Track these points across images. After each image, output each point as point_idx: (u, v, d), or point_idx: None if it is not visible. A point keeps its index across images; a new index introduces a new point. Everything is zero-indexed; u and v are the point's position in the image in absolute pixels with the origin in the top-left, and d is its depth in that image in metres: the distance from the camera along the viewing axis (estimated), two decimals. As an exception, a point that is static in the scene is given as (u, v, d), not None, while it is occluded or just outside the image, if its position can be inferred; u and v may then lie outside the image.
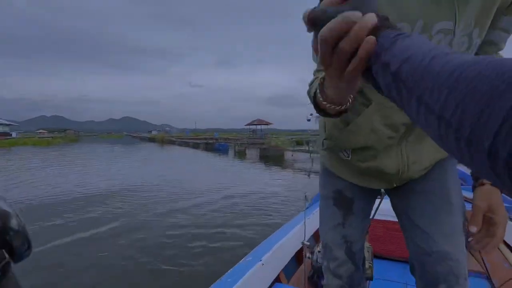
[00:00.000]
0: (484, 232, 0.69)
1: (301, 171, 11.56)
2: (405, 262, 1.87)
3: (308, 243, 1.55)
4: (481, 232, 0.70)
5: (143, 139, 57.57)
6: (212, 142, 27.69)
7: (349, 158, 0.78)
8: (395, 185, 0.80)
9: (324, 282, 0.92)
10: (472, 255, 1.95)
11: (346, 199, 0.86)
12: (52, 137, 54.59)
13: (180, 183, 8.30)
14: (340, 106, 0.48)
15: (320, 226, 0.93)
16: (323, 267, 0.93)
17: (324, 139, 0.83)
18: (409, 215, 0.80)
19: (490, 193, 0.70)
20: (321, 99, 0.48)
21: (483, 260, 1.85)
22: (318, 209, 2.20)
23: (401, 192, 0.81)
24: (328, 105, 0.48)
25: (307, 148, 18.02)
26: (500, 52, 0.72)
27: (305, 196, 1.84)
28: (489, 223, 0.69)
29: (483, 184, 0.72)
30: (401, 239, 1.86)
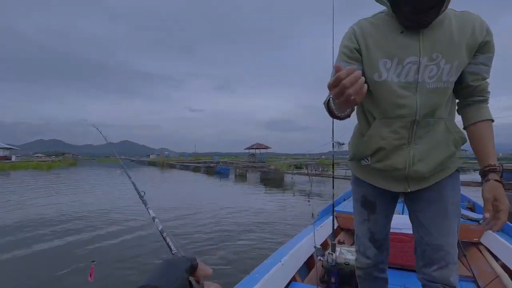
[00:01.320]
0: (492, 217, 0.90)
1: (302, 193, 11.88)
2: (403, 269, 2.19)
3: (319, 247, 1.88)
4: (491, 217, 0.89)
5: (142, 163, 57.38)
6: (213, 166, 27.69)
7: (369, 162, 1.05)
8: (409, 190, 1.03)
9: (355, 259, 1.22)
10: (462, 262, 2.26)
11: (370, 202, 1.13)
12: (52, 160, 54.53)
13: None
14: (343, 114, 0.82)
15: (354, 220, 1.22)
16: (355, 250, 1.22)
17: (352, 154, 1.12)
18: (417, 215, 1.06)
19: (495, 187, 0.90)
20: (334, 108, 0.84)
21: (470, 266, 2.17)
22: (325, 221, 2.54)
23: (413, 198, 1.07)
24: (337, 113, 0.83)
25: (306, 171, 18.26)
26: (487, 80, 0.96)
27: (312, 214, 2.22)
28: (495, 210, 0.89)
29: (488, 180, 0.92)
30: (399, 249, 2.19)
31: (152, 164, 47.43)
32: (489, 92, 0.99)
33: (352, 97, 0.62)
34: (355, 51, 0.97)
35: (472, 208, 3.16)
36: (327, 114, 0.95)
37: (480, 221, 1.00)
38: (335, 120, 1.28)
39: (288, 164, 23.22)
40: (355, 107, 1.12)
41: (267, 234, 5.40)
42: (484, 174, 0.95)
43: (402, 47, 0.91)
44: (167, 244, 0.60)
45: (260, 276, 1.49)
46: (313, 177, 16.00)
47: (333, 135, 1.85)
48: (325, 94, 0.93)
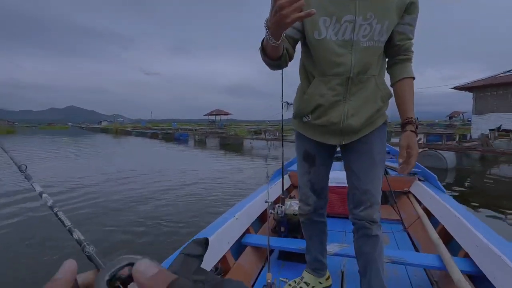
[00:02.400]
0: (406, 161, 1.07)
1: (259, 157, 12.31)
2: (344, 217, 2.46)
3: (270, 202, 2.02)
4: (404, 161, 1.07)
5: (94, 130, 53.66)
6: (172, 132, 27.03)
7: (309, 119, 1.14)
8: (343, 143, 1.14)
9: (298, 207, 1.38)
10: (393, 208, 2.62)
11: (310, 156, 1.25)
12: (-18, 128, 48.16)
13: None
14: (275, 41, 0.81)
15: (297, 173, 1.35)
16: (299, 199, 1.37)
17: (294, 112, 1.22)
18: (350, 164, 1.20)
19: (409, 136, 1.06)
20: (267, 33, 0.80)
21: (399, 211, 2.52)
22: (279, 180, 2.70)
23: (347, 150, 1.20)
24: (270, 37, 0.80)
25: (264, 136, 18.72)
26: (412, 40, 1.07)
27: (267, 173, 2.36)
28: (408, 156, 1.06)
29: (406, 131, 1.07)
30: (341, 200, 2.45)
31: (105, 131, 44.53)
32: (413, 52, 1.10)
33: (288, 19, 0.68)
34: None
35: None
36: (262, 60, 0.98)
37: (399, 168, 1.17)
38: (285, 83, 1.32)
39: (247, 131, 23.48)
40: (299, 67, 1.19)
41: (225, 194, 5.63)
42: (403, 126, 1.10)
43: (340, 5, 0.96)
44: (59, 219, 0.54)
45: (214, 230, 1.59)
46: (272, 142, 16.48)
47: (282, 95, 1.92)
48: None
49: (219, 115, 37.03)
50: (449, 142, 10.83)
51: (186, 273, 0.27)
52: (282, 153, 2.30)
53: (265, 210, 2.27)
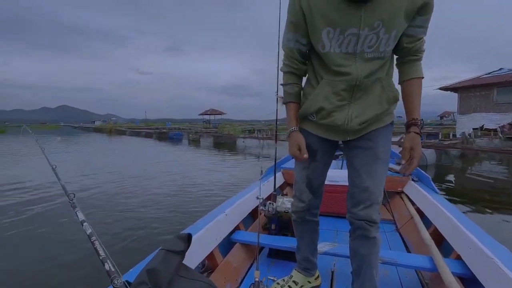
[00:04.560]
0: (408, 162, 1.06)
1: (251, 155, 12.52)
2: (336, 216, 2.43)
3: (262, 198, 1.98)
4: (406, 162, 1.06)
5: (87, 130, 53.09)
6: (166, 132, 27.11)
7: (315, 119, 1.13)
8: (348, 139, 1.12)
9: (292, 203, 1.34)
10: (386, 208, 2.60)
11: (312, 150, 1.18)
12: (-28, 128, 47.19)
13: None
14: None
15: (295, 168, 1.30)
16: (293, 195, 1.32)
17: (300, 111, 1.18)
18: (351, 160, 1.15)
19: (413, 138, 1.05)
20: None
21: (392, 211, 2.50)
22: (270, 178, 2.67)
23: (350, 146, 1.15)
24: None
25: (256, 135, 18.82)
26: (422, 40, 1.02)
27: (261, 170, 2.32)
28: (411, 157, 1.05)
29: (410, 132, 1.06)
30: (335, 199, 2.42)
31: (99, 130, 44.05)
32: (424, 50, 1.06)
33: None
34: (301, 23, 1.02)
35: (400, 164, 3.58)
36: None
37: (400, 168, 1.16)
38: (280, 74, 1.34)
39: (241, 130, 23.49)
40: (308, 65, 1.16)
41: (218, 190, 5.67)
42: (407, 126, 1.08)
43: (344, 16, 0.93)
44: (95, 249, 0.54)
45: (202, 225, 1.54)
46: (266, 141, 16.48)
47: (277, 90, 1.87)
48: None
49: (214, 114, 36.93)
50: (431, 141, 11.37)
51: (166, 270, 0.27)
52: (276, 149, 2.27)
53: (257, 207, 2.22)
